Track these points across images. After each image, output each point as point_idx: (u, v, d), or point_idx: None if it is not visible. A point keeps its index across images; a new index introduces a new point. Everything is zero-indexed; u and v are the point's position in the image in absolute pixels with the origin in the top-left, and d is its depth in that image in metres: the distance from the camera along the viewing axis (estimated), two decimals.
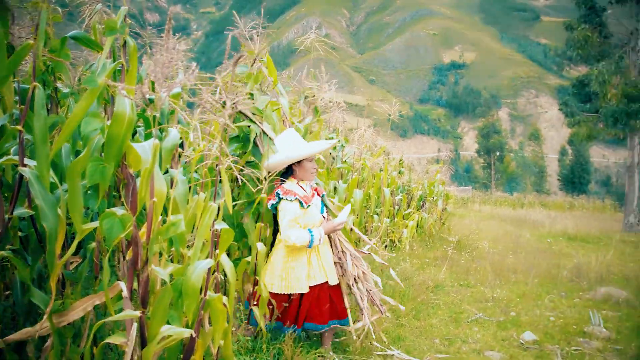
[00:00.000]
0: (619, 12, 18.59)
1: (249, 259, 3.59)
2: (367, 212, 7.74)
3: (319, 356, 3.71)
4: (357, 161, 7.04)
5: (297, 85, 4.95)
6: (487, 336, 4.91)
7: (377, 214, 8.23)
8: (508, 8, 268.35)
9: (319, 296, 3.75)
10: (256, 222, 3.80)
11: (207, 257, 2.41)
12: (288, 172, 3.80)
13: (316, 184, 4.04)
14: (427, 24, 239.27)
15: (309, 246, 3.62)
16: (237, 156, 3.81)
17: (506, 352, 4.48)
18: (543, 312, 5.79)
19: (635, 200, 17.74)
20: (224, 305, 2.46)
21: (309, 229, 3.63)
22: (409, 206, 10.69)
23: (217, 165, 2.57)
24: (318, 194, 3.93)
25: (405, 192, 10.61)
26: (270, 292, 3.64)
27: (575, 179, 54.29)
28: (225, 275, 3.29)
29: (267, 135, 3.69)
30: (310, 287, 3.71)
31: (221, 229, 2.45)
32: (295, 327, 3.70)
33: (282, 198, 3.59)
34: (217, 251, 2.51)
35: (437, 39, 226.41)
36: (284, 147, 3.68)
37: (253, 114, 3.68)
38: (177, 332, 2.15)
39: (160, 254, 2.35)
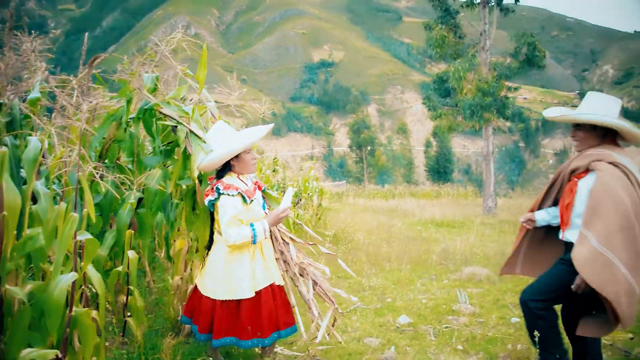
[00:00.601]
0: (470, 15, 20.27)
1: (120, 268, 3.43)
2: None
3: None
4: None
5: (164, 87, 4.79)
6: (365, 324, 5.11)
7: None
8: (373, 9, 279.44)
9: (264, 302, 3.39)
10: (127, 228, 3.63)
11: (71, 271, 2.26)
12: (225, 168, 3.43)
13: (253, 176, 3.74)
14: (296, 24, 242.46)
15: (254, 242, 3.29)
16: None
17: (384, 337, 4.69)
18: (416, 295, 6.14)
19: (492, 186, 19.38)
20: (94, 319, 2.33)
21: (251, 224, 3.31)
22: None
23: (77, 172, 2.41)
24: (259, 188, 3.62)
25: (280, 189, 10.70)
26: (216, 300, 3.34)
27: (440, 169, 57.73)
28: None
29: (196, 135, 3.50)
30: (256, 292, 3.37)
31: (85, 240, 2.31)
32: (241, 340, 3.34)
33: (223, 193, 3.26)
34: (82, 263, 2.37)
35: (306, 38, 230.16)
36: (218, 143, 3.38)
37: (180, 116, 3.53)
38: (40, 354, 1.99)
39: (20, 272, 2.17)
